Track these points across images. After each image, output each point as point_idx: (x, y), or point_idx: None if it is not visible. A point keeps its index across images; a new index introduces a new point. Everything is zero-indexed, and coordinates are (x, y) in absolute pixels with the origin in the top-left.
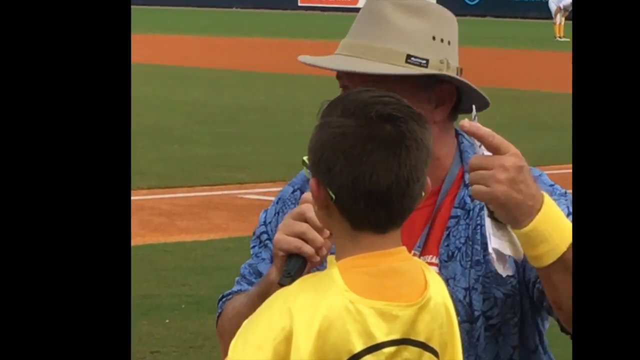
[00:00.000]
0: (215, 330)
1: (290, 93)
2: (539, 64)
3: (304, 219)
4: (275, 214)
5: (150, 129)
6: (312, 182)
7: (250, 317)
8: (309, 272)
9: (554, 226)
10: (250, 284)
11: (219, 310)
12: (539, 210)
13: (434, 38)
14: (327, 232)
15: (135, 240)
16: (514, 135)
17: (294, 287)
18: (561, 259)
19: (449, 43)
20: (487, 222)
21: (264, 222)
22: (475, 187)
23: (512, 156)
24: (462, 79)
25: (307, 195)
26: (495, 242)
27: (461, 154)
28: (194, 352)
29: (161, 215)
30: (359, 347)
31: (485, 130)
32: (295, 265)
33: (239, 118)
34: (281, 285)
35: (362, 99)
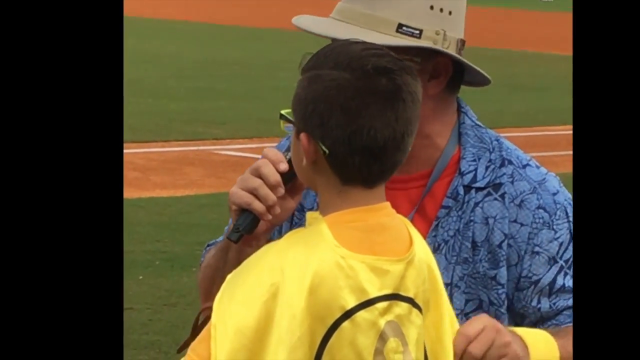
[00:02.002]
0: (189, 288)
1: (265, 47)
2: (521, 24)
3: (258, 174)
4: None
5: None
6: (302, 136)
7: (237, 272)
8: (268, 231)
9: (544, 355)
10: None
11: (202, 259)
12: (527, 347)
13: (432, 7)
14: (282, 191)
15: None
16: (494, 96)
17: (283, 242)
18: None
19: (450, 13)
20: None
21: None
22: None
23: (487, 332)
24: (453, 54)
25: (268, 150)
26: None
27: (460, 136)
28: (167, 309)
29: (135, 170)
30: (351, 302)
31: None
32: (245, 221)
33: (214, 72)
34: (229, 240)
35: (354, 51)
